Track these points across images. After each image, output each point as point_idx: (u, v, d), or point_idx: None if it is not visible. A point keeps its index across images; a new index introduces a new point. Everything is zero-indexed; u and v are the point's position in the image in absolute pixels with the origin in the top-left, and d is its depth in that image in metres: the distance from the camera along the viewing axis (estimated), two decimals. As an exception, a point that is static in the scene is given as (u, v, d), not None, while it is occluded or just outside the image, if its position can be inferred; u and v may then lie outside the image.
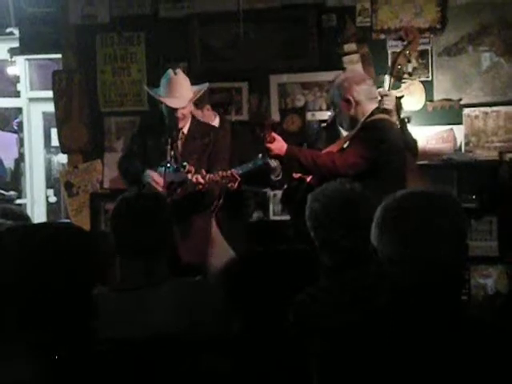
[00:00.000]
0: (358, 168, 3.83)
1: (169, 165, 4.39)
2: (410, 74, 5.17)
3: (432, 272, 1.70)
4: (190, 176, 4.30)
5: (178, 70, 4.50)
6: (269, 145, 4.02)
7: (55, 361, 1.51)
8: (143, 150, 4.57)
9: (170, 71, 4.52)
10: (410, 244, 1.70)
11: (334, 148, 4.12)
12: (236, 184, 4.28)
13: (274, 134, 4.07)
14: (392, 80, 4.38)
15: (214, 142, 4.54)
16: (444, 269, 1.71)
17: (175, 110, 4.41)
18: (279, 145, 4.02)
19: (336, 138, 4.43)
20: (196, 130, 4.52)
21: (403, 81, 4.79)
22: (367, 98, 4.04)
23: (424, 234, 1.70)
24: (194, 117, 4.60)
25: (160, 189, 4.32)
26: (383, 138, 3.93)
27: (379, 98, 4.27)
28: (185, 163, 4.32)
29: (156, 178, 4.40)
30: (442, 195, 1.79)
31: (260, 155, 4.27)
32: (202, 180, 4.27)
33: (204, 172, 4.28)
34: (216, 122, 4.65)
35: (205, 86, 4.59)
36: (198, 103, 4.58)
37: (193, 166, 4.35)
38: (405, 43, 4.56)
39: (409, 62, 4.48)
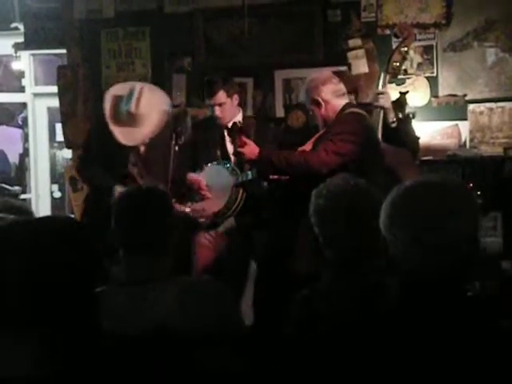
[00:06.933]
0: (331, 164, 3.77)
1: None
2: (406, 71, 5.16)
3: (443, 262, 1.69)
4: None
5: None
6: (241, 149, 4.01)
7: (60, 357, 1.52)
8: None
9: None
10: (421, 234, 1.69)
11: (307, 146, 4.10)
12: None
13: (244, 139, 4.06)
14: (388, 77, 4.37)
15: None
16: (455, 260, 1.71)
17: None
18: (251, 148, 4.01)
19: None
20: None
21: (400, 77, 4.76)
22: (335, 95, 4.06)
23: (436, 222, 1.69)
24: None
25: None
26: (353, 131, 3.90)
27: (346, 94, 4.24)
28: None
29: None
30: (454, 184, 1.78)
31: (250, 171, 4.29)
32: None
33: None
34: (239, 118, 4.62)
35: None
36: (229, 90, 4.52)
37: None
38: (400, 40, 4.56)
39: (404, 58, 4.47)
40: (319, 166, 3.80)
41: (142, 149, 4.50)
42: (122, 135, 4.32)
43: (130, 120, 4.30)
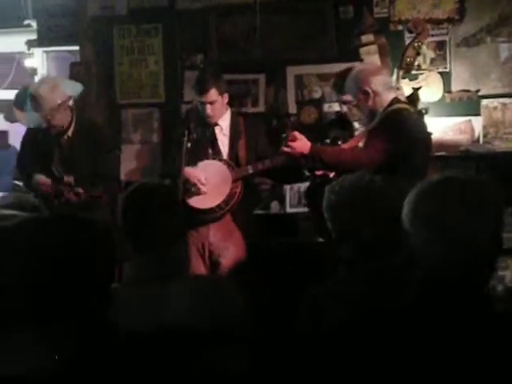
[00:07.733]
0: (379, 162, 3.74)
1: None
2: (420, 66, 5.14)
3: (464, 260, 1.69)
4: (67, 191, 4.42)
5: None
6: (292, 143, 3.95)
7: (74, 356, 1.52)
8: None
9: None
10: (443, 229, 1.69)
11: (353, 142, 4.08)
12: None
13: (296, 133, 4.01)
14: (401, 72, 4.35)
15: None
16: (476, 257, 1.70)
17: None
18: (302, 143, 3.96)
19: (344, 134, 4.39)
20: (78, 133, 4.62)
21: (413, 72, 4.74)
22: (384, 88, 4.00)
23: (458, 219, 1.68)
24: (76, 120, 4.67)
25: (47, 191, 4.47)
26: (403, 129, 3.87)
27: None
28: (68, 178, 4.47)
29: (44, 181, 4.51)
30: (479, 181, 1.77)
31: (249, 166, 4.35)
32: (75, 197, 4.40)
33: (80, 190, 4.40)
34: (227, 115, 4.59)
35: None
36: (221, 87, 4.48)
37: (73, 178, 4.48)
38: (413, 35, 4.54)
39: (418, 54, 4.44)
40: (368, 164, 3.75)
41: (64, 143, 4.57)
42: (25, 119, 4.57)
43: (33, 104, 4.45)
